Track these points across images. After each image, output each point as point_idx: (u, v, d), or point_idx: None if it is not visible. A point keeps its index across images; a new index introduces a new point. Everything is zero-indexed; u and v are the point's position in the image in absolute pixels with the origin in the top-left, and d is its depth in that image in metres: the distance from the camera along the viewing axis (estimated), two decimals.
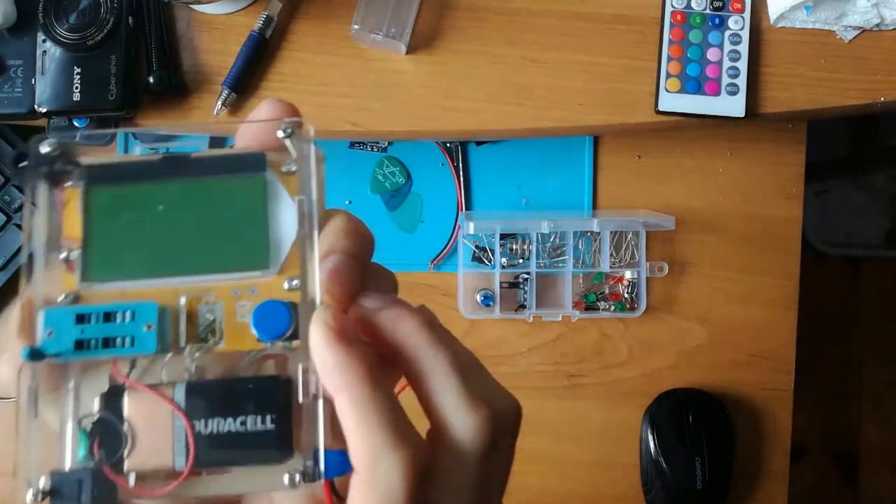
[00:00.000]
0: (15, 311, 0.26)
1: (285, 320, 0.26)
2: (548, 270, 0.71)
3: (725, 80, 0.59)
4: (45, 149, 0.26)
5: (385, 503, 0.24)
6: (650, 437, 0.69)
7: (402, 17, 0.58)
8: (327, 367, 0.25)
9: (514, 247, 0.70)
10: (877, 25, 0.59)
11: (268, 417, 0.25)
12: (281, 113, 0.28)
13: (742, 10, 0.60)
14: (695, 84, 0.59)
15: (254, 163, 0.27)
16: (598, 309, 0.71)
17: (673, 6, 0.60)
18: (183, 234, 0.27)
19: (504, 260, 0.70)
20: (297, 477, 0.24)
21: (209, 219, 0.27)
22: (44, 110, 0.55)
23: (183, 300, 0.26)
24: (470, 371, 0.27)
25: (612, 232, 0.70)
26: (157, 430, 0.24)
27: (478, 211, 0.72)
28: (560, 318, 0.71)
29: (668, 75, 0.59)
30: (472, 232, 0.68)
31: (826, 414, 1.51)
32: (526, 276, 0.70)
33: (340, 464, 0.24)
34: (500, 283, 0.70)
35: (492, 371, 0.28)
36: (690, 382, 0.72)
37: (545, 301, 0.71)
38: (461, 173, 0.72)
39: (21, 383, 0.25)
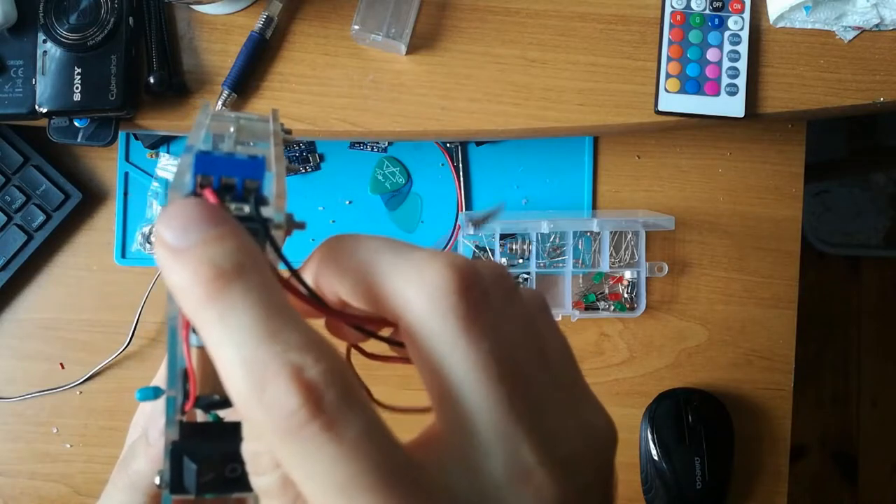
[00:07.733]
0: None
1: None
2: (548, 270, 0.71)
3: (725, 80, 0.59)
4: None
5: None
6: (650, 437, 0.69)
7: (402, 18, 0.58)
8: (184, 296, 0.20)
9: (514, 247, 0.70)
10: (876, 26, 0.59)
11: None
12: None
13: (742, 11, 0.60)
14: (694, 84, 0.59)
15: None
16: (598, 309, 0.71)
17: (672, 6, 0.60)
18: None
19: (504, 260, 0.70)
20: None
21: None
22: (44, 110, 0.55)
23: None
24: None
25: (611, 232, 0.70)
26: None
27: (478, 211, 0.72)
28: (560, 318, 0.71)
29: (668, 75, 0.59)
30: (472, 232, 0.68)
31: (826, 414, 1.51)
32: (526, 276, 0.70)
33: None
34: None
35: None
36: (690, 382, 0.72)
37: None
38: (461, 173, 0.72)
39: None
